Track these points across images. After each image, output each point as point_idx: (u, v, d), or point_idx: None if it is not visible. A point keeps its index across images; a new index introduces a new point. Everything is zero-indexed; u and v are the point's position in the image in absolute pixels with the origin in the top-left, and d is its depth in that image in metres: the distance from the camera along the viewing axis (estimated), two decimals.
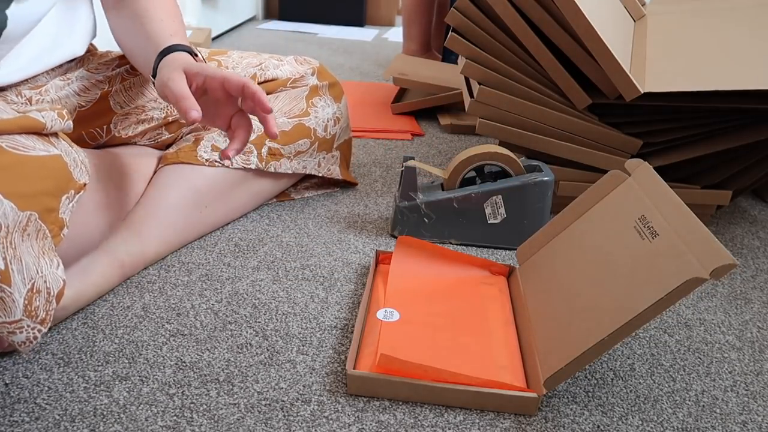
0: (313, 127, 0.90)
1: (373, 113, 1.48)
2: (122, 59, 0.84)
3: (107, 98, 0.80)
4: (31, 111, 0.58)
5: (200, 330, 0.64)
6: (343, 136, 0.97)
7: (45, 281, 0.52)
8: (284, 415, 0.53)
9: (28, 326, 0.50)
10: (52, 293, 0.52)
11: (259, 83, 0.89)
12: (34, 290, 0.51)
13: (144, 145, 0.86)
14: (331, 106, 0.94)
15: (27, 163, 0.53)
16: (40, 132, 0.58)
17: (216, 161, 0.81)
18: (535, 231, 0.71)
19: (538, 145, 0.92)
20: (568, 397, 0.58)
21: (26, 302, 0.50)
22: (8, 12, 0.66)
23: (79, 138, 0.78)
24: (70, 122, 0.63)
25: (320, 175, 0.94)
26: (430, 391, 0.55)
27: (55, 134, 0.60)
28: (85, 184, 0.61)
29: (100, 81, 0.81)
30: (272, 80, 0.90)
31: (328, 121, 0.93)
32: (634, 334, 0.68)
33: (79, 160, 0.61)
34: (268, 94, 0.90)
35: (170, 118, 0.85)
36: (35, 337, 0.51)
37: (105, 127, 0.80)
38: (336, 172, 0.97)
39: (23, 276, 0.50)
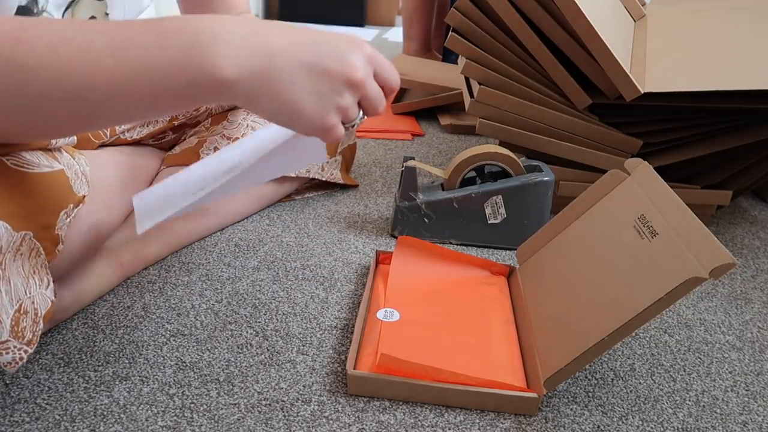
0: None
1: None
2: None
3: None
4: None
5: (200, 330, 0.64)
6: (347, 141, 0.97)
7: (33, 302, 0.51)
8: (284, 415, 0.53)
9: (15, 347, 0.50)
10: (39, 314, 0.52)
11: None
12: (22, 311, 0.50)
13: (148, 144, 0.86)
14: None
15: (29, 180, 0.53)
16: (44, 147, 0.58)
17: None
18: (535, 231, 0.71)
19: (538, 145, 0.92)
20: (568, 397, 0.58)
21: (13, 323, 0.49)
22: None
23: (84, 137, 0.79)
24: (74, 137, 0.63)
25: (323, 179, 0.94)
26: (430, 391, 0.55)
27: (59, 147, 0.60)
28: (84, 197, 0.61)
29: None
30: None
31: None
32: (634, 334, 0.68)
33: (80, 172, 0.61)
34: None
35: (175, 122, 0.85)
36: (21, 358, 0.51)
37: None
38: (338, 177, 0.97)
39: (11, 297, 0.49)
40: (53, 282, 0.55)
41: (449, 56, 1.92)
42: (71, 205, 0.58)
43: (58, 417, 0.51)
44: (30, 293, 0.51)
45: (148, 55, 0.43)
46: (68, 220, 0.58)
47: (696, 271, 0.48)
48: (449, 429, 0.53)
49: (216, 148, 0.82)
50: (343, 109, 0.48)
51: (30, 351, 0.51)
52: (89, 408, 0.53)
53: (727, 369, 0.64)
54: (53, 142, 0.59)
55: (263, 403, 0.55)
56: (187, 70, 0.44)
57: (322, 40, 0.47)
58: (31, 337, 0.51)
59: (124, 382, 0.56)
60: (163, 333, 0.63)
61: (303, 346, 0.62)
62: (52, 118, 0.44)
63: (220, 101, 0.47)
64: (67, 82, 0.42)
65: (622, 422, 0.55)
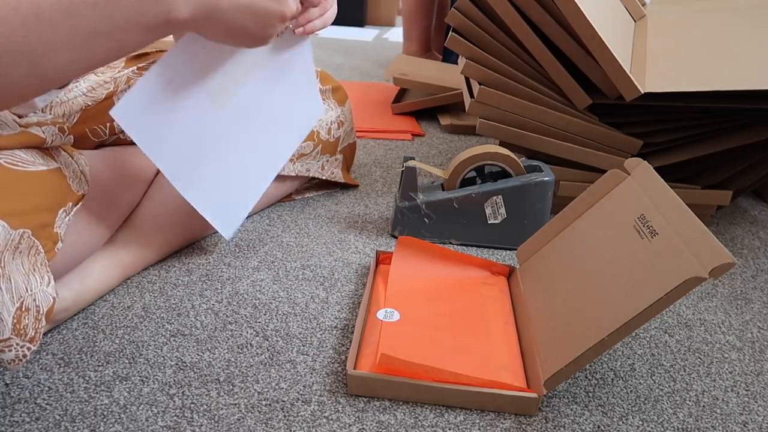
0: (316, 129, 0.91)
1: (373, 113, 1.48)
2: (128, 62, 0.84)
3: (112, 98, 0.80)
4: (32, 126, 0.59)
5: (200, 330, 0.64)
6: (347, 140, 0.97)
7: (34, 299, 0.52)
8: (284, 416, 0.53)
9: (17, 345, 0.50)
10: (41, 311, 0.52)
11: None
12: (23, 309, 0.50)
13: None
14: (335, 110, 0.94)
15: (24, 179, 0.53)
16: (40, 147, 0.58)
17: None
18: (535, 231, 0.71)
19: (538, 145, 0.92)
20: (568, 398, 0.58)
21: (15, 321, 0.50)
22: None
23: (83, 135, 0.79)
24: (71, 136, 0.63)
25: (323, 178, 0.94)
26: (430, 391, 0.55)
27: (56, 146, 0.60)
28: (83, 195, 0.61)
29: (107, 81, 0.81)
30: None
31: (331, 125, 0.93)
32: (634, 334, 0.68)
33: (78, 171, 0.61)
34: None
35: None
36: (24, 356, 0.51)
37: (108, 124, 0.80)
38: (338, 176, 0.97)
39: (12, 295, 0.49)
40: (54, 281, 0.55)
41: (449, 56, 1.92)
42: (70, 204, 0.58)
43: (58, 417, 0.51)
44: (31, 290, 0.51)
45: (103, 14, 0.47)
46: (67, 218, 0.58)
47: (696, 271, 0.48)
48: (449, 429, 0.53)
49: None
50: (277, 32, 0.60)
51: (33, 348, 0.52)
52: (89, 408, 0.53)
53: (727, 369, 0.64)
54: (49, 141, 0.59)
55: (263, 403, 0.55)
56: (143, 21, 0.49)
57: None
58: (33, 334, 0.51)
59: (124, 382, 0.56)
60: (163, 333, 0.63)
61: (303, 346, 0.62)
62: (15, 84, 0.46)
63: (173, 33, 0.54)
64: (24, 50, 0.44)
65: (622, 422, 0.55)
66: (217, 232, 0.84)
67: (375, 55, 2.29)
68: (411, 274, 0.71)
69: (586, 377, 0.61)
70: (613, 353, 0.65)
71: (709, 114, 0.90)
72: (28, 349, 0.51)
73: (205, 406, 0.54)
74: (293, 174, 0.89)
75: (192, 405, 0.54)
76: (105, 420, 0.51)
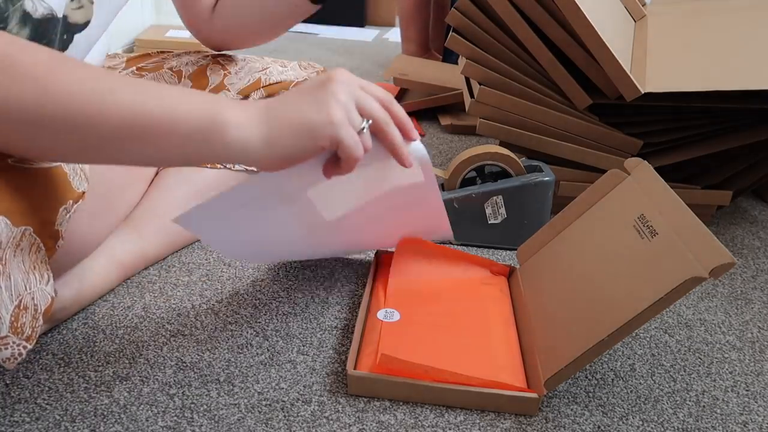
0: None
1: None
2: (129, 62, 0.84)
3: None
4: None
5: (201, 330, 0.64)
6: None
7: (33, 297, 0.52)
8: (285, 416, 0.53)
9: (14, 343, 0.50)
10: (39, 310, 0.52)
11: (263, 87, 0.88)
12: (21, 307, 0.50)
13: None
14: None
15: (27, 176, 0.53)
16: None
17: (218, 163, 0.81)
18: (535, 231, 0.71)
19: (538, 145, 0.92)
20: (568, 398, 0.58)
21: (12, 319, 0.50)
22: (76, 36, 0.69)
23: None
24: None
25: None
26: (430, 392, 0.55)
27: None
28: (83, 193, 0.61)
29: None
30: (277, 83, 0.89)
31: None
32: (634, 334, 0.68)
33: (78, 168, 0.61)
34: (271, 96, 0.89)
35: None
36: (20, 354, 0.51)
37: None
38: None
39: (11, 293, 0.49)
40: (53, 280, 0.55)
41: (449, 56, 1.92)
42: (70, 201, 0.58)
43: (58, 417, 0.51)
44: (30, 289, 0.51)
45: (167, 100, 0.48)
46: (68, 216, 0.58)
47: (696, 270, 0.48)
48: (449, 429, 0.53)
49: None
50: (345, 111, 0.51)
51: (29, 347, 0.51)
52: (89, 408, 0.53)
53: (727, 369, 0.64)
54: None
55: (263, 403, 0.55)
56: (202, 118, 0.48)
57: (306, 94, 0.52)
58: (30, 332, 0.51)
59: (125, 383, 0.56)
60: (164, 333, 0.63)
61: (303, 346, 0.62)
62: (61, 141, 0.47)
63: (227, 154, 0.50)
64: (81, 109, 0.45)
65: (623, 422, 0.55)
66: None
67: (375, 55, 2.29)
68: (411, 274, 0.71)
69: (586, 377, 0.61)
70: (613, 353, 0.65)
71: (709, 114, 0.90)
72: (24, 347, 0.51)
73: (205, 406, 0.54)
74: None
75: (192, 405, 0.54)
76: (105, 420, 0.51)
